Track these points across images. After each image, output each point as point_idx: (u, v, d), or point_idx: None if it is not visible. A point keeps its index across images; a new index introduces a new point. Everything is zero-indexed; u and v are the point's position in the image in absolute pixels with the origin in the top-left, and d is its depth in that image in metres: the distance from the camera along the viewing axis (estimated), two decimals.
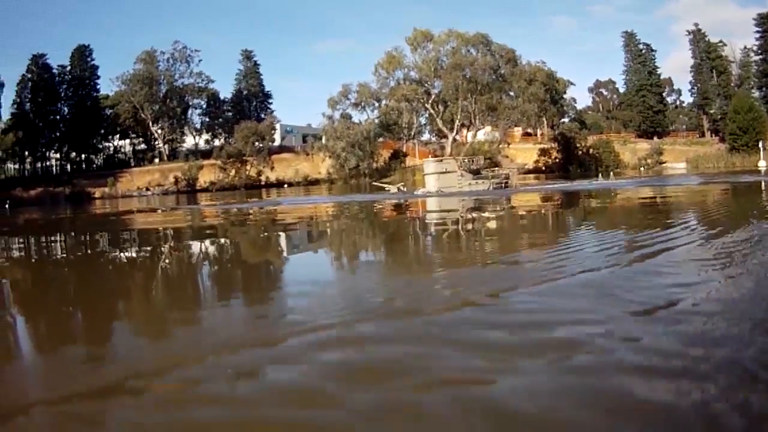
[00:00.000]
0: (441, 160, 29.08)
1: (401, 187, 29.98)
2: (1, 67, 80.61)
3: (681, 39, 74.34)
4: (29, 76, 64.71)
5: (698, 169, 46.37)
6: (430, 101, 56.12)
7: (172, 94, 62.76)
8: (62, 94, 65.46)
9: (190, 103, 64.88)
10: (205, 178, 59.13)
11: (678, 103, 71.71)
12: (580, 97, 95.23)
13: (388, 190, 29.83)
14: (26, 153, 65.32)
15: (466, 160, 28.89)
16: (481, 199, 20.00)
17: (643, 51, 66.12)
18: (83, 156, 66.07)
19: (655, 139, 62.75)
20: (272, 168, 59.48)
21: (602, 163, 55.25)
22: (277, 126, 63.04)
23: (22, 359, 3.59)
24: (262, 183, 58.47)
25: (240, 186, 56.80)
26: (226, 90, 71.61)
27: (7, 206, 48.00)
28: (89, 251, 10.62)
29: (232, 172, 58.88)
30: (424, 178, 28.69)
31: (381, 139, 57.74)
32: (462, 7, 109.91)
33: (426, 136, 61.25)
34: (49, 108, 64.32)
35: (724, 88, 62.65)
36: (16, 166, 66.47)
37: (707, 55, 63.91)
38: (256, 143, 58.72)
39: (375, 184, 35.38)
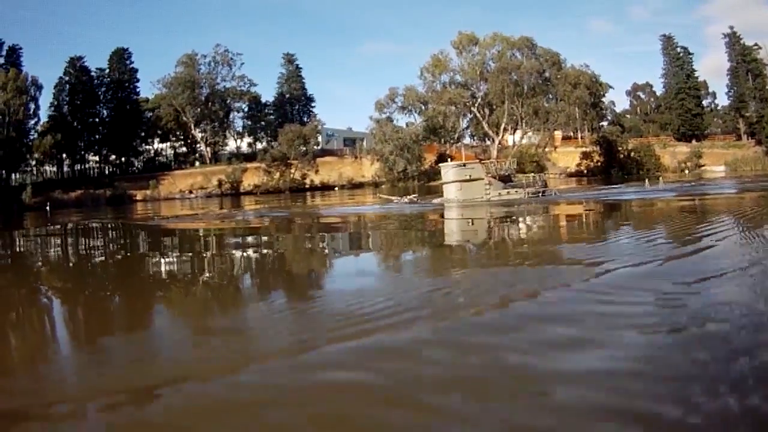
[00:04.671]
0: (464, 165, 23.22)
1: (414, 198, 24.94)
2: (38, 70, 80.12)
3: (715, 41, 74.90)
4: (67, 78, 64.61)
5: (737, 172, 46.45)
6: (476, 105, 56.43)
7: (213, 98, 62.81)
8: (101, 97, 65.38)
9: (233, 107, 64.95)
10: (248, 181, 59.27)
11: (713, 106, 72.11)
12: (618, 100, 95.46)
13: (397, 202, 24.70)
14: (64, 155, 65.22)
15: (493, 165, 24.02)
16: (510, 213, 16.71)
17: (681, 54, 66.50)
18: (122, 158, 65.97)
19: (694, 142, 63.13)
20: (317, 171, 59.64)
21: (643, 166, 55.60)
22: (321, 129, 63.24)
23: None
24: (307, 186, 58.62)
25: (285, 189, 56.90)
26: (268, 93, 71.26)
27: (48, 208, 48.28)
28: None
29: (277, 175, 59.06)
30: (442, 188, 23.67)
31: (425, 143, 58.01)
32: (503, 9, 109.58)
33: (467, 140, 61.48)
34: (87, 110, 64.24)
35: (760, 91, 63.04)
36: (53, 169, 66.33)
37: (743, 58, 64.27)
38: (301, 146, 58.88)
39: (381, 196, 30.65)
